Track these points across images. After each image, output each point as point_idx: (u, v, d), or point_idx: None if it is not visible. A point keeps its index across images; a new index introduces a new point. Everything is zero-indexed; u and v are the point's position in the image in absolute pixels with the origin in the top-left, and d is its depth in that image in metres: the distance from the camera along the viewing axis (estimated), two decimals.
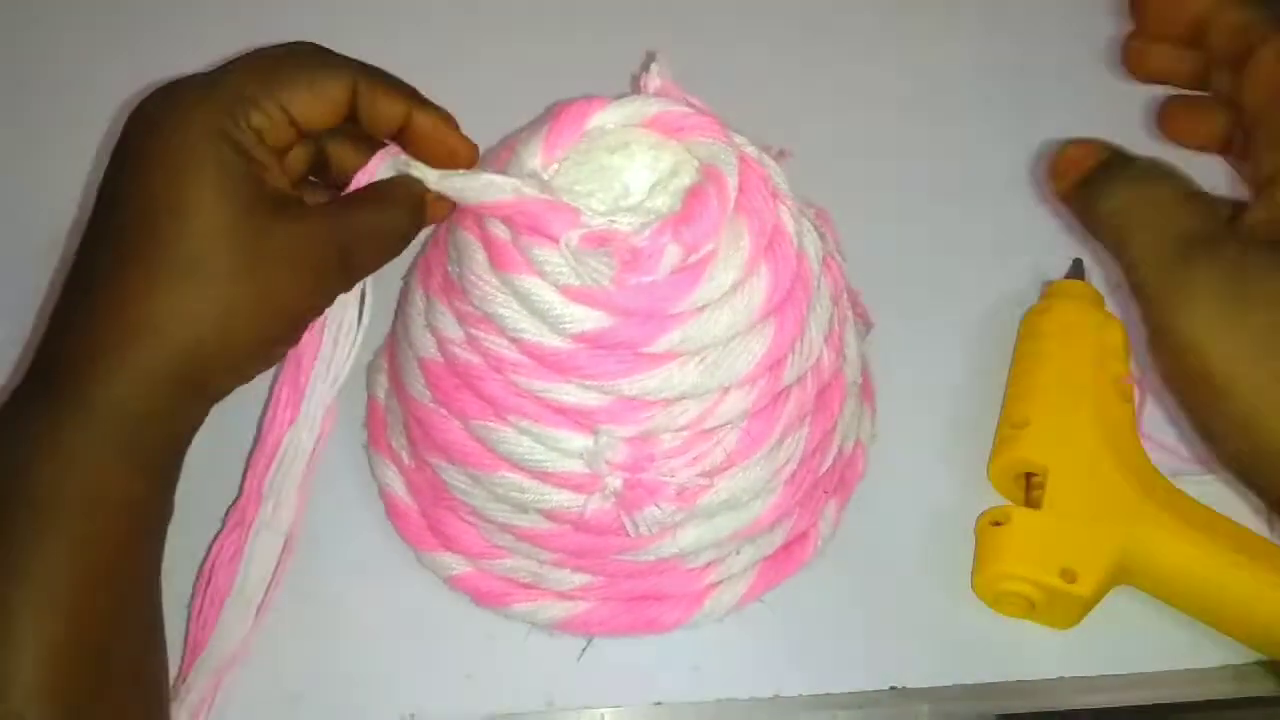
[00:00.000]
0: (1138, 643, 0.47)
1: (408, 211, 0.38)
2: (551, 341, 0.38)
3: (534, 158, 0.40)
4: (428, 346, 0.42)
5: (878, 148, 0.59)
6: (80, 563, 0.33)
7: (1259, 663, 0.46)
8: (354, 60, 0.37)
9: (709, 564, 0.45)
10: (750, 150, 0.41)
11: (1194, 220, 0.34)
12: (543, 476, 0.41)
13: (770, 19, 0.66)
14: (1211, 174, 0.39)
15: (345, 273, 0.37)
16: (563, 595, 0.45)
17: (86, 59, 0.64)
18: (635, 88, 0.42)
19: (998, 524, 0.47)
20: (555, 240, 0.37)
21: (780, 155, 0.42)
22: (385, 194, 0.38)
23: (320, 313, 0.38)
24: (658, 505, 0.40)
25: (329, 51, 0.37)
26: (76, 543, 0.33)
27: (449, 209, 0.39)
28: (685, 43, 0.45)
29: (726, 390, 0.40)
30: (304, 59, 0.36)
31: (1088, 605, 0.45)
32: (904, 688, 0.46)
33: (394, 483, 0.47)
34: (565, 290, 0.38)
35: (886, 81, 0.65)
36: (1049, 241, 0.57)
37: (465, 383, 0.41)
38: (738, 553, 0.45)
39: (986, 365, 0.53)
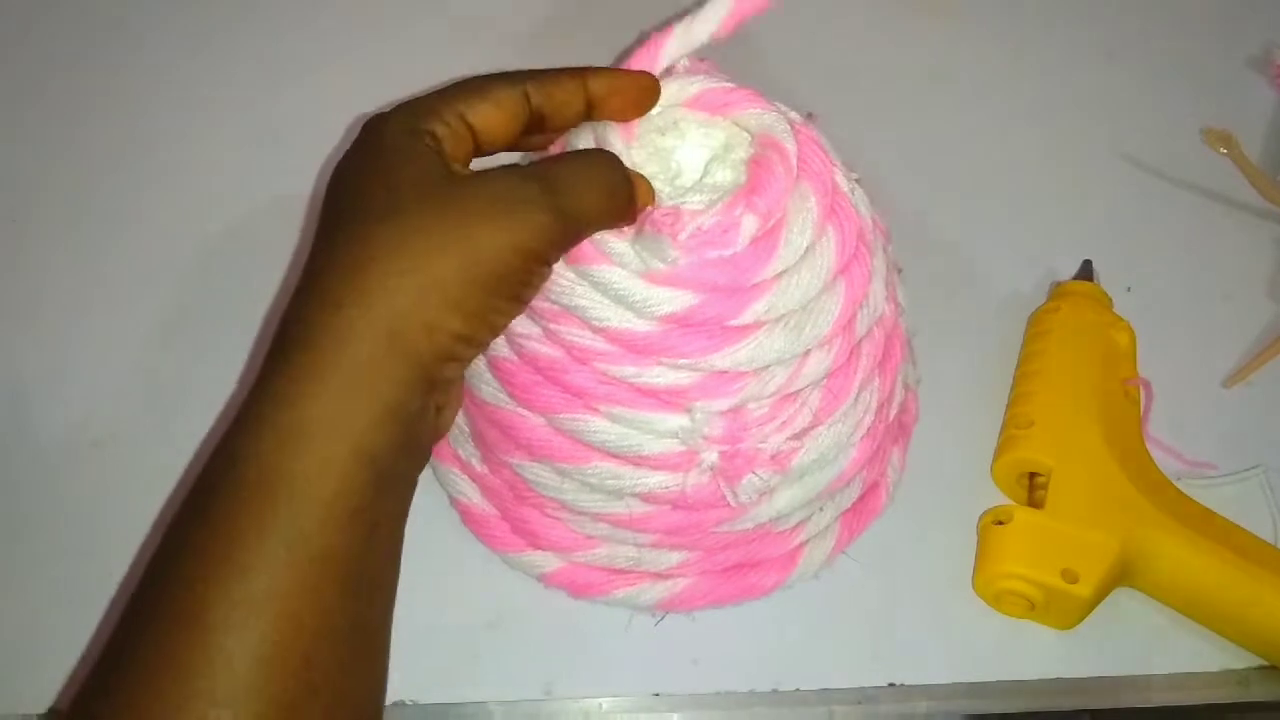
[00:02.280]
0: (1137, 644, 0.48)
1: (610, 160, 0.39)
2: (638, 326, 0.39)
3: (617, 142, 0.41)
4: (499, 347, 0.43)
5: (886, 144, 0.59)
6: (296, 559, 0.32)
7: (1260, 667, 0.46)
8: (520, 70, 0.39)
9: (798, 525, 0.46)
10: (794, 116, 0.43)
11: None
12: (638, 460, 0.42)
13: None
14: None
15: (559, 213, 0.37)
16: (661, 575, 0.46)
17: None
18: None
19: (1000, 523, 0.47)
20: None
21: (810, 118, 0.44)
22: (584, 150, 0.40)
23: (539, 263, 0.37)
24: (755, 473, 0.41)
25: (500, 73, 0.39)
26: (294, 538, 0.32)
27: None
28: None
29: (808, 352, 0.41)
30: (477, 79, 0.39)
31: (1088, 606, 0.46)
32: (902, 684, 0.46)
33: (467, 490, 0.48)
34: (646, 275, 0.39)
35: (898, 77, 0.64)
36: (1057, 242, 0.57)
37: (547, 378, 0.41)
38: (821, 510, 0.47)
39: (991, 364, 0.54)
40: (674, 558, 0.45)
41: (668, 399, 0.41)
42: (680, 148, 0.42)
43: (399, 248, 0.34)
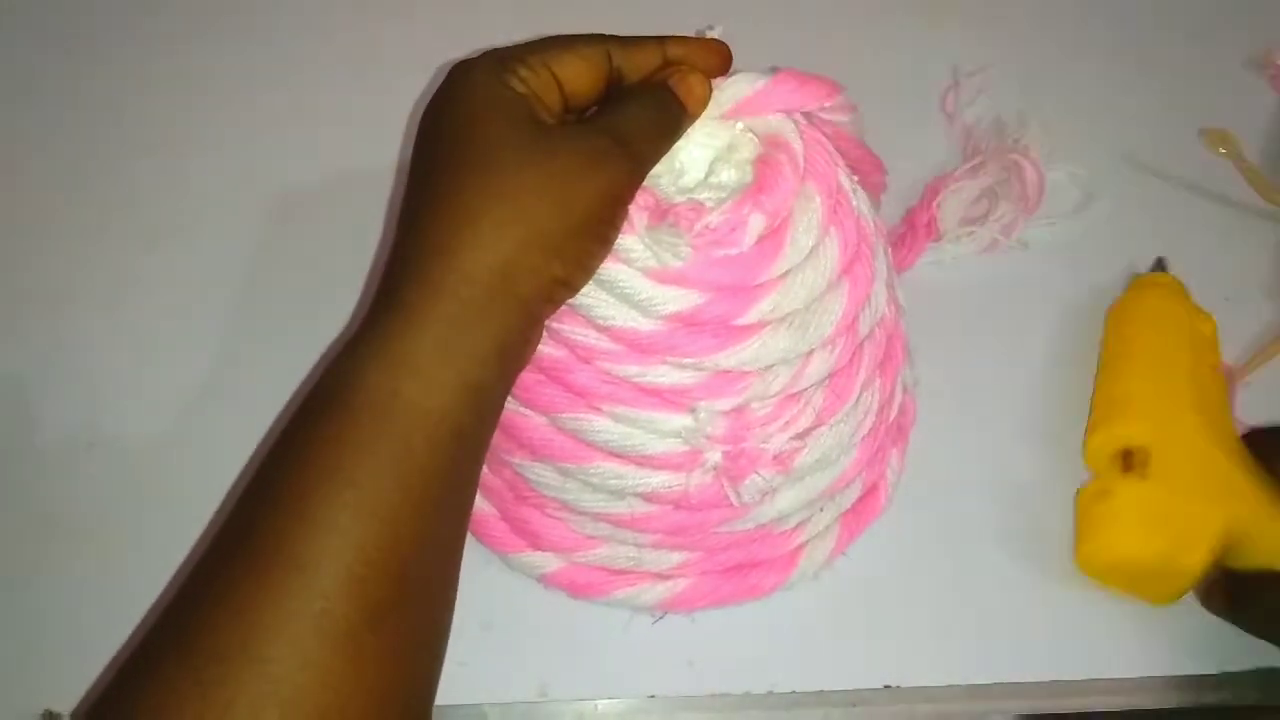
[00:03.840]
0: (1136, 645, 0.48)
1: (659, 92, 0.41)
2: (643, 325, 0.40)
3: None
4: None
5: (886, 146, 0.59)
6: (402, 472, 0.35)
7: (1259, 669, 0.46)
8: (602, 33, 0.42)
9: (798, 525, 0.47)
10: (798, 116, 0.43)
11: None
12: (641, 460, 0.42)
13: None
14: None
15: (631, 157, 0.39)
16: (661, 576, 0.47)
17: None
18: None
19: (1105, 493, 0.48)
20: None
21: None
22: (637, 85, 0.42)
23: (620, 206, 0.40)
24: (758, 473, 0.42)
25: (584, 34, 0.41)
26: (400, 453, 0.35)
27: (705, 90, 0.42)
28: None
29: (812, 352, 0.42)
30: (561, 35, 0.41)
31: (1194, 580, 0.46)
32: (898, 686, 0.46)
33: None
34: (651, 274, 0.40)
35: (897, 78, 0.65)
36: (1057, 242, 0.57)
37: (550, 377, 0.42)
38: (821, 510, 0.47)
39: (986, 367, 0.54)
40: (675, 558, 0.46)
41: (671, 398, 0.41)
42: (684, 147, 0.42)
43: (503, 196, 0.37)
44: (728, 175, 0.42)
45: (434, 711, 0.45)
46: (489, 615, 0.48)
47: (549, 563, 0.47)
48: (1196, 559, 0.45)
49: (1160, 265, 0.56)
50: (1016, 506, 0.51)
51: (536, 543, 0.47)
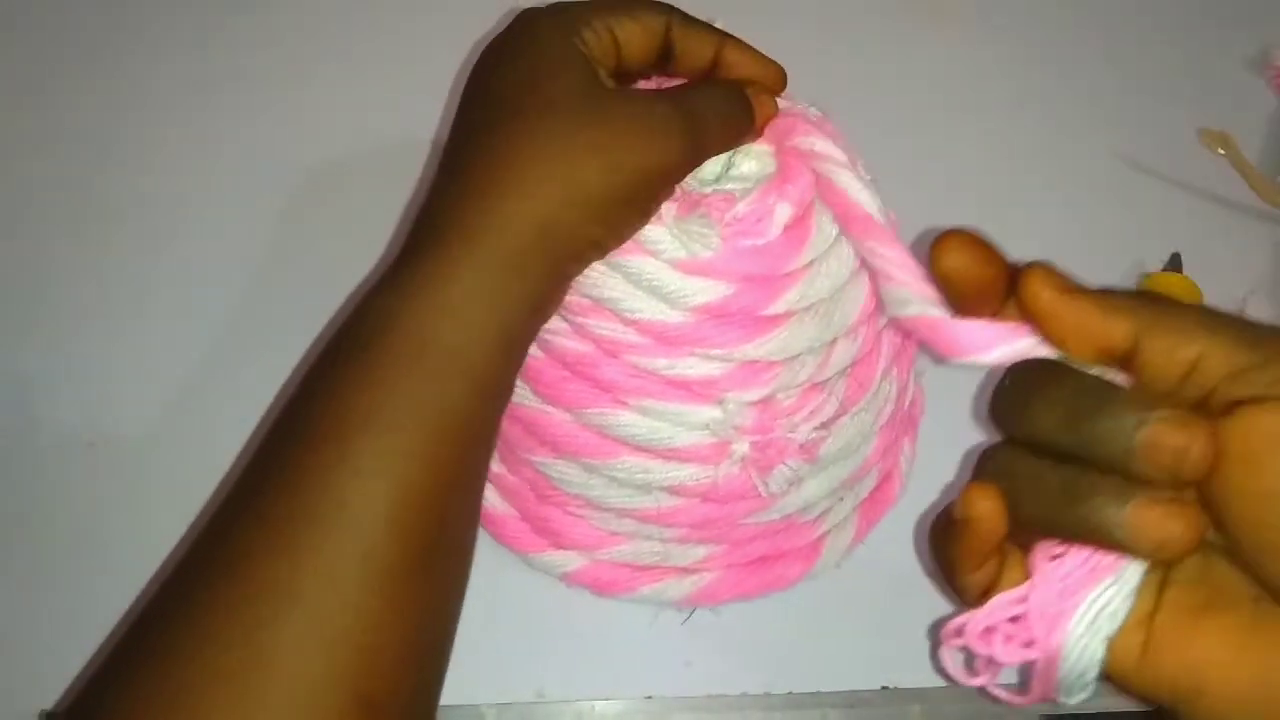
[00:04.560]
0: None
1: (738, 91, 0.41)
2: (671, 317, 0.40)
3: None
4: None
5: (885, 147, 0.60)
6: (441, 417, 0.35)
7: None
8: (670, 5, 0.42)
9: (820, 515, 0.47)
10: (813, 112, 0.44)
11: None
12: (668, 454, 0.42)
13: None
14: None
15: (692, 138, 0.39)
16: (686, 571, 0.47)
17: None
18: None
19: None
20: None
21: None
22: (718, 79, 0.42)
23: (668, 182, 0.40)
24: (785, 463, 0.42)
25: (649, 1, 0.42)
26: (439, 397, 0.35)
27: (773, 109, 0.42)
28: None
29: (835, 340, 0.42)
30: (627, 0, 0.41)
31: None
32: (895, 687, 0.46)
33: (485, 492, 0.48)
34: (679, 265, 0.40)
35: (897, 79, 0.64)
36: (1057, 242, 0.57)
37: (575, 373, 0.42)
38: (841, 500, 0.47)
39: None
40: (700, 551, 0.46)
41: (699, 391, 0.41)
42: None
43: (553, 150, 0.37)
44: (748, 166, 0.42)
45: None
46: (486, 616, 0.48)
47: (571, 561, 0.47)
48: None
49: (1175, 263, 0.56)
50: None
51: (558, 541, 0.47)
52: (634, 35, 0.40)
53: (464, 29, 0.57)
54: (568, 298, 0.41)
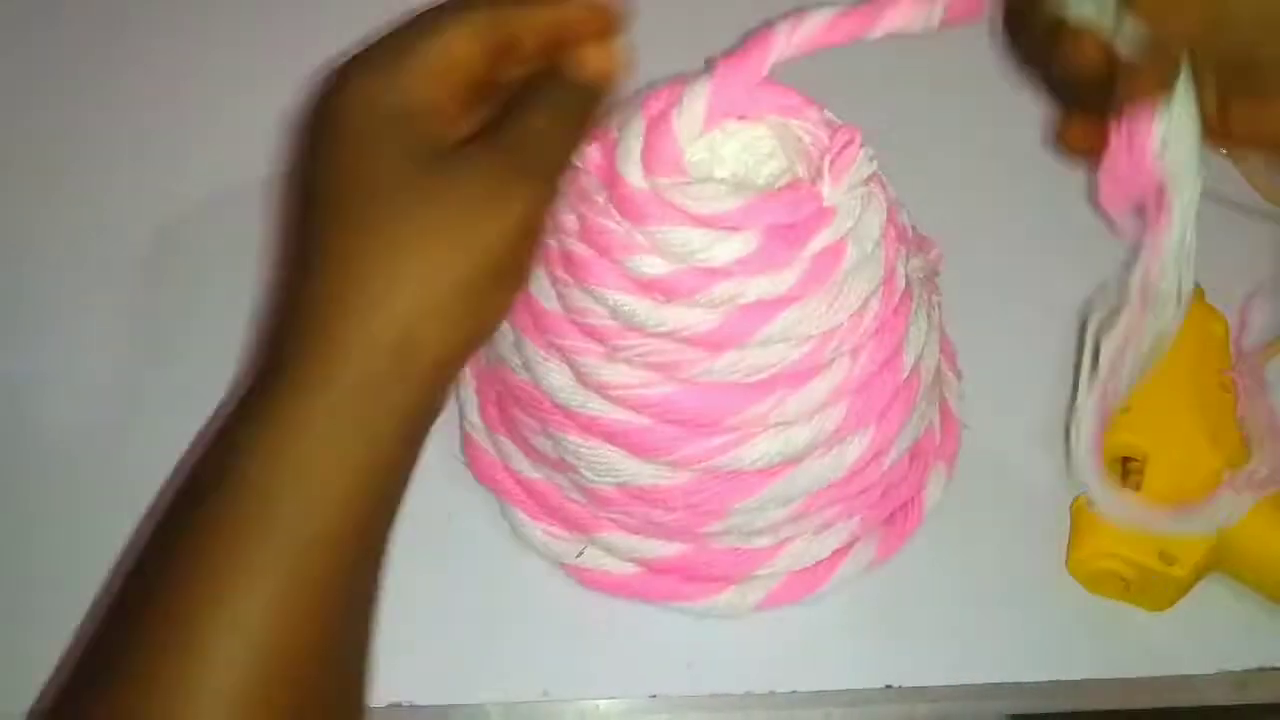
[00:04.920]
0: (1134, 647, 0.48)
1: (562, 83, 0.37)
2: None
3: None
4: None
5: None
6: (290, 579, 0.31)
7: (1258, 669, 0.46)
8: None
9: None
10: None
11: None
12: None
13: None
14: None
15: (535, 177, 0.35)
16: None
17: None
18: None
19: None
20: None
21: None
22: (539, 87, 0.37)
23: (531, 238, 0.35)
24: None
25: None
26: (287, 555, 0.31)
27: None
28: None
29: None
30: (434, 10, 0.36)
31: (1183, 588, 0.47)
32: (899, 686, 0.46)
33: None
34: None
35: (896, 79, 0.65)
36: (1057, 243, 0.58)
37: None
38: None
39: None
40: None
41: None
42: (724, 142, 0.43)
43: (394, 251, 0.33)
44: (770, 167, 0.42)
45: (438, 710, 0.45)
46: (491, 614, 0.48)
47: (755, 588, 0.47)
48: (1185, 571, 0.46)
49: None
50: (1019, 508, 0.51)
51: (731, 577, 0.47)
52: (463, 49, 0.35)
53: None
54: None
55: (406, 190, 0.33)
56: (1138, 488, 0.48)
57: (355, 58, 0.35)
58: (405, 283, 0.32)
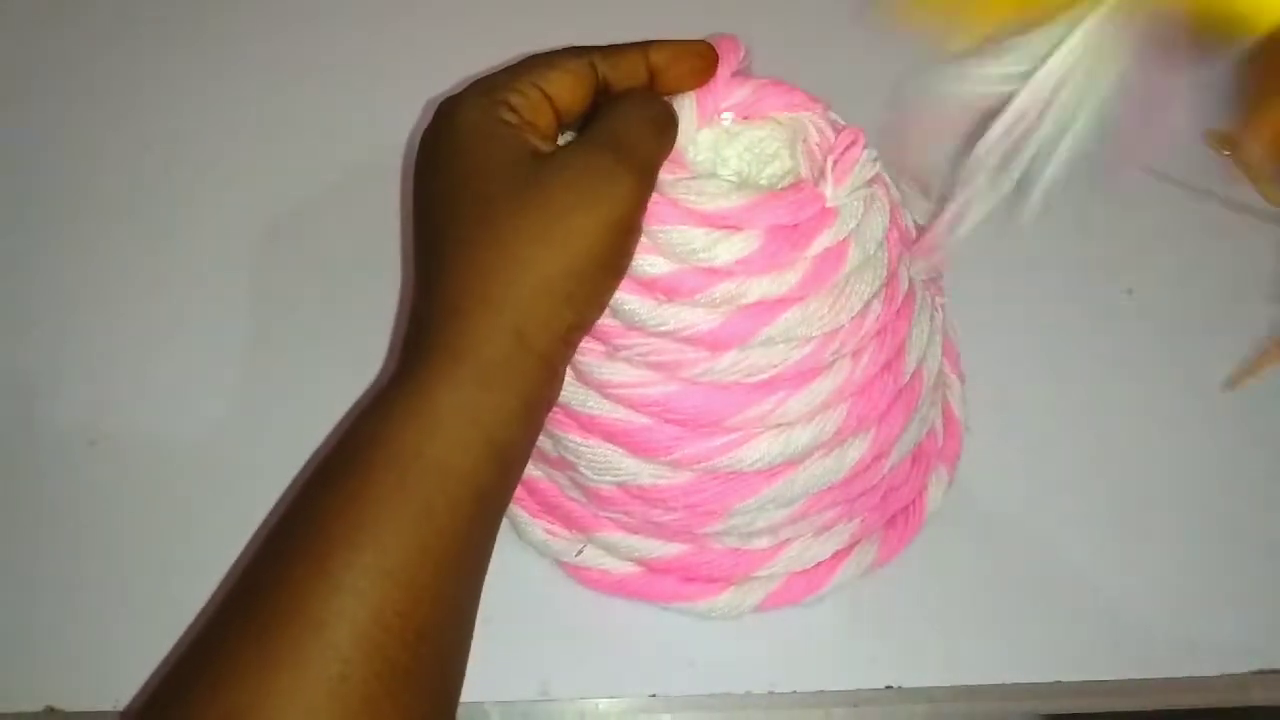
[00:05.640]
0: (1135, 648, 0.48)
1: (647, 97, 0.41)
2: None
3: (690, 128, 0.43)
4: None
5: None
6: (423, 534, 0.35)
7: (1259, 672, 0.46)
8: (583, 46, 0.41)
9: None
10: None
11: None
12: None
13: None
14: None
15: (633, 170, 0.38)
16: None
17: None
18: None
19: None
20: None
21: None
22: (621, 92, 0.41)
23: (630, 229, 0.39)
24: None
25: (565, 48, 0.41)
26: (422, 514, 0.35)
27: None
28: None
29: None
30: (542, 54, 0.40)
31: None
32: (900, 687, 0.46)
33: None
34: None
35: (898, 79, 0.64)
36: (1057, 243, 0.57)
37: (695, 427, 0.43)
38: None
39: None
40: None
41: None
42: (728, 143, 0.43)
43: (506, 251, 0.36)
44: (774, 168, 0.42)
45: None
46: (490, 612, 0.47)
47: (755, 589, 0.47)
48: None
49: None
50: (1021, 512, 0.51)
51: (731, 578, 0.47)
52: (563, 86, 0.39)
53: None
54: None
55: (515, 195, 0.37)
56: None
57: (471, 86, 0.39)
58: (523, 275, 0.36)
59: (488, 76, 0.40)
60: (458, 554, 0.36)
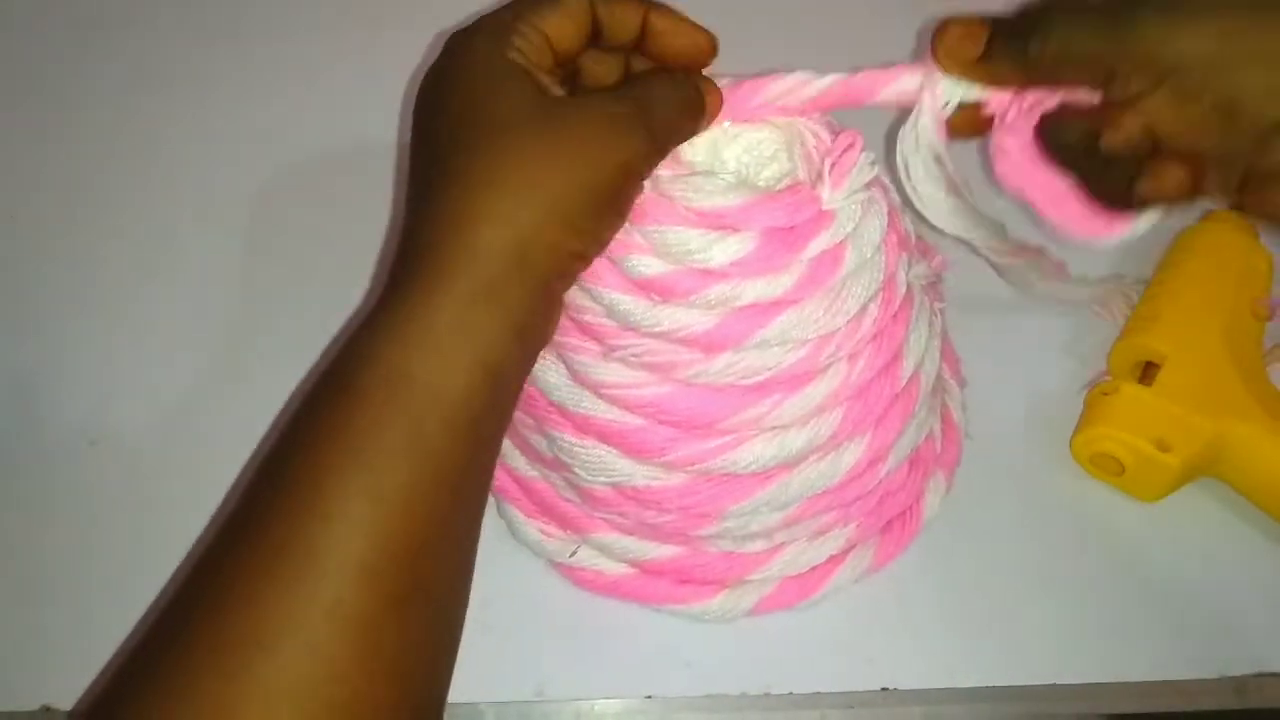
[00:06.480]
0: (1136, 649, 0.48)
1: (687, 79, 0.41)
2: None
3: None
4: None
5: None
6: (415, 456, 0.34)
7: (1258, 674, 0.46)
8: None
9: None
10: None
11: None
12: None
13: None
14: None
15: (650, 131, 0.39)
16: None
17: None
18: None
19: (1107, 393, 0.51)
20: None
21: None
22: (662, 69, 0.42)
23: (635, 179, 0.40)
24: None
25: None
26: (414, 436, 0.34)
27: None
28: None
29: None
30: None
31: (1176, 480, 0.50)
32: (895, 689, 0.46)
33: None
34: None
35: None
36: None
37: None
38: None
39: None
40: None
41: None
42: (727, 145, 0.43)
43: (519, 168, 0.36)
44: (772, 170, 0.42)
45: None
46: (486, 613, 0.48)
47: (758, 590, 0.47)
48: (1179, 461, 0.48)
49: None
50: (1018, 519, 0.51)
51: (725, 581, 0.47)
52: (563, 27, 0.39)
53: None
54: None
55: (530, 123, 0.37)
56: (1149, 385, 0.50)
57: (469, 27, 0.39)
58: (523, 199, 0.36)
59: (494, 14, 0.39)
60: (452, 477, 0.35)
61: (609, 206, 0.38)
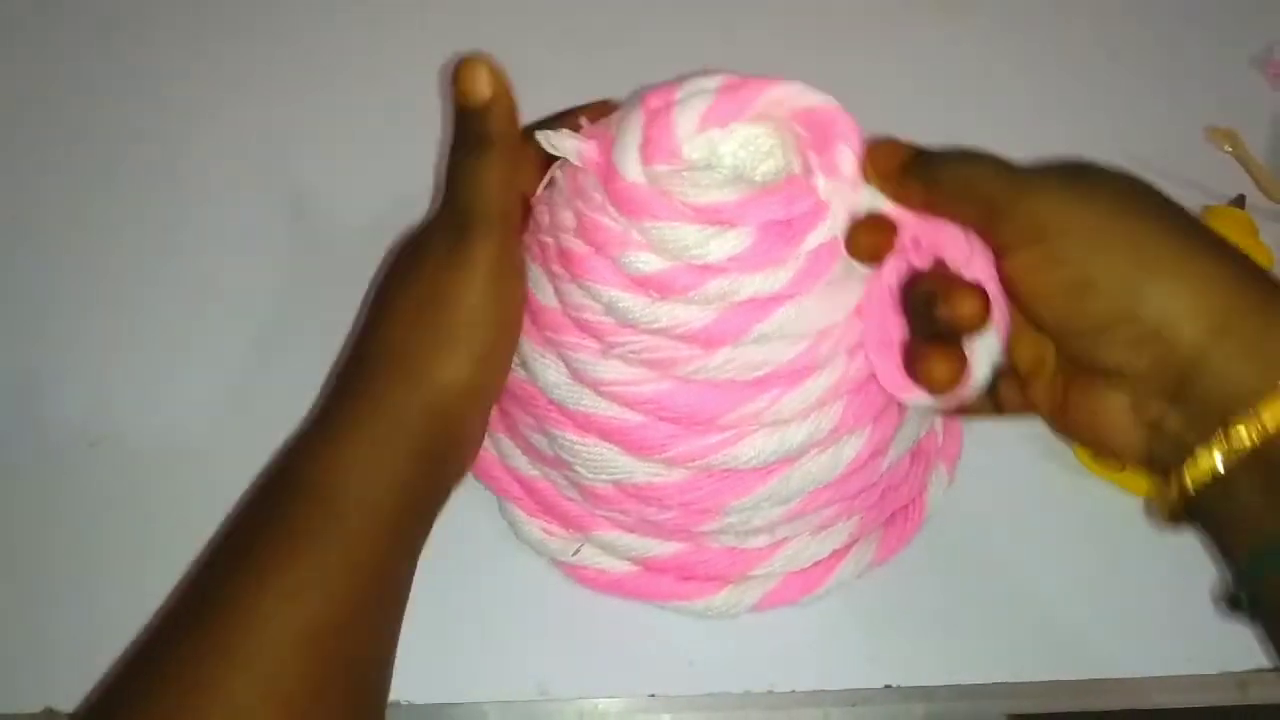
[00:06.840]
0: (1137, 646, 0.48)
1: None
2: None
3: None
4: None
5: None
6: (346, 556, 0.39)
7: (1258, 670, 0.46)
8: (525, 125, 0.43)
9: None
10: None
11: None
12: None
13: None
14: None
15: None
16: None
17: None
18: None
19: None
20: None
21: None
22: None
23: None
24: None
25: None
26: (341, 544, 0.39)
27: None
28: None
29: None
30: (498, 148, 0.41)
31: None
32: (899, 686, 0.46)
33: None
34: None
35: (898, 76, 0.65)
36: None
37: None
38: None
39: None
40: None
41: None
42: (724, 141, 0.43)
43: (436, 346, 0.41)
44: (768, 166, 0.42)
45: (435, 709, 0.45)
46: (488, 612, 0.48)
47: (753, 589, 0.47)
48: None
49: (1240, 200, 0.58)
50: (1021, 511, 0.51)
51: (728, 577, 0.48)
52: (533, 178, 0.44)
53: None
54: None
55: (476, 309, 0.41)
56: None
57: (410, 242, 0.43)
58: (440, 368, 0.40)
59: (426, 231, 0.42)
60: (372, 581, 0.39)
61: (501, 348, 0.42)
